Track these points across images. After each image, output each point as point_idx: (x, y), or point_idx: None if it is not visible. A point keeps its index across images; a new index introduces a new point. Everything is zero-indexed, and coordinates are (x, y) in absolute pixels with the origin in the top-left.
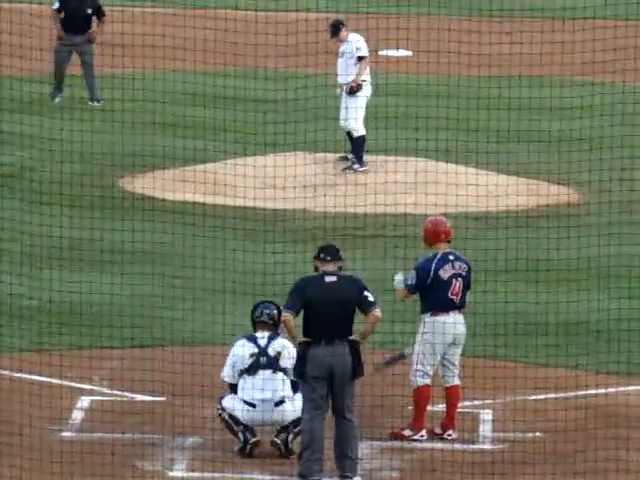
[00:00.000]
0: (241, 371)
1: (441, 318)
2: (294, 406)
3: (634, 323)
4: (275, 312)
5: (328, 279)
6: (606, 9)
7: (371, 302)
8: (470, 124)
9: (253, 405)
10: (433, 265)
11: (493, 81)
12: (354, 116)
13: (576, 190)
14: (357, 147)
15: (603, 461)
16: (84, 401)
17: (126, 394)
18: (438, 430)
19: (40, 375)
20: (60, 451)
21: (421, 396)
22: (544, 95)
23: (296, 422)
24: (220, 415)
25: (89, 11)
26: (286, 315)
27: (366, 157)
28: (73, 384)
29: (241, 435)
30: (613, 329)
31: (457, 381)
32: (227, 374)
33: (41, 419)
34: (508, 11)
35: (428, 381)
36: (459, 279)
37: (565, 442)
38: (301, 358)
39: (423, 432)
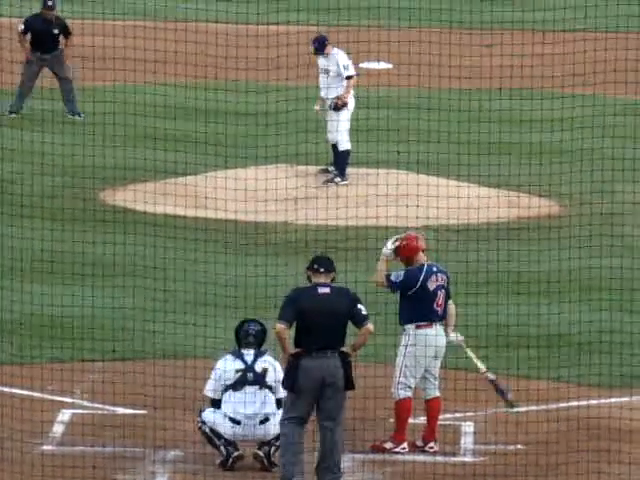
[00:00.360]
0: (226, 387)
1: (426, 331)
2: (277, 422)
3: (615, 335)
4: (259, 329)
5: (321, 290)
6: (586, 21)
7: (364, 315)
8: (451, 136)
9: (238, 422)
10: (422, 276)
11: (473, 93)
12: (338, 129)
13: (557, 202)
14: (341, 161)
15: (585, 473)
16: (65, 414)
17: (107, 407)
18: (420, 443)
19: (21, 388)
20: (41, 465)
21: (403, 409)
22: (524, 107)
23: (279, 436)
24: (200, 428)
25: (55, 31)
26: (280, 326)
27: (348, 170)
28: (54, 397)
29: (223, 449)
30: (594, 341)
31: (437, 393)
32: (210, 389)
33: (22, 432)
34: (488, 23)
35: (410, 394)
36: (442, 290)
37: (547, 454)
38: (292, 369)
39: (404, 445)
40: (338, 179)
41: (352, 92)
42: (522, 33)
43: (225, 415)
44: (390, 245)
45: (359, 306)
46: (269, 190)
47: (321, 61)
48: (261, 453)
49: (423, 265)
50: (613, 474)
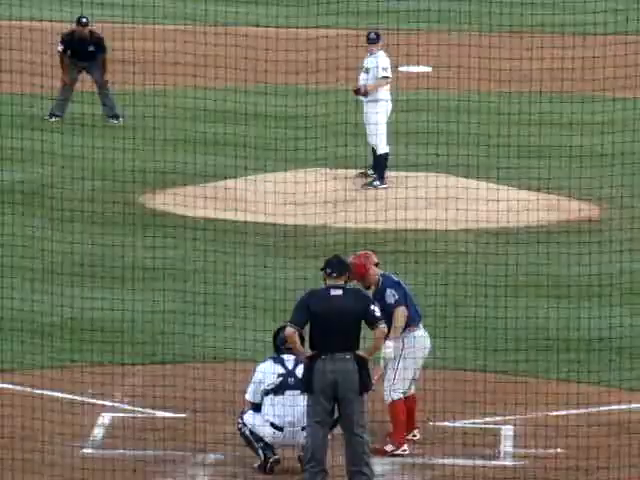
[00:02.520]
0: (266, 391)
1: (415, 333)
2: None
3: None
4: None
5: (333, 292)
6: (627, 25)
7: (377, 317)
8: (490, 139)
9: (280, 428)
10: (397, 278)
11: (513, 97)
12: (375, 133)
13: (597, 205)
14: (379, 164)
15: (625, 478)
16: (105, 418)
17: (147, 411)
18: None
19: (61, 392)
20: (81, 468)
21: (399, 410)
22: (564, 110)
23: None
24: (240, 430)
25: (91, 48)
26: (290, 330)
27: (387, 173)
28: (94, 401)
29: (261, 452)
30: (635, 345)
31: (413, 390)
32: (251, 393)
33: (62, 436)
34: (528, 27)
35: (402, 395)
36: (410, 292)
37: (587, 458)
38: (308, 371)
39: (405, 447)
40: (377, 182)
41: (388, 97)
42: (562, 36)
43: (266, 420)
44: (389, 349)
45: (372, 307)
46: (308, 193)
47: (365, 60)
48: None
49: (386, 274)
50: None
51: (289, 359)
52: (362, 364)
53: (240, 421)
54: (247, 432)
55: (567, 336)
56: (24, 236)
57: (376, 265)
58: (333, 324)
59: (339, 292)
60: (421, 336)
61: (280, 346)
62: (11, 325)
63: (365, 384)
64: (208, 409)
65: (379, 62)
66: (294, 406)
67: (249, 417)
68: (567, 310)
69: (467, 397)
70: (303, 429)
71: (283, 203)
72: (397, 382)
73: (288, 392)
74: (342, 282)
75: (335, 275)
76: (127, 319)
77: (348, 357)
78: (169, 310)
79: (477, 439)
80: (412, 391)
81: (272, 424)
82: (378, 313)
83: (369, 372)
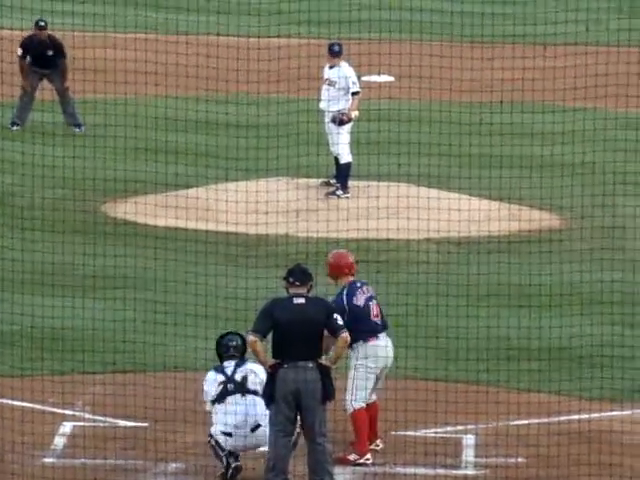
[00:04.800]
0: (212, 401)
1: (375, 342)
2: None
3: (617, 349)
4: (240, 342)
5: (296, 301)
6: (587, 35)
7: (339, 325)
8: (452, 149)
9: (229, 434)
10: (344, 297)
11: (474, 106)
12: (338, 142)
13: (558, 215)
14: (342, 173)
15: None
16: (66, 427)
17: (108, 419)
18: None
19: (22, 401)
20: (42, 477)
21: (360, 420)
22: (526, 120)
23: None
24: (209, 442)
25: (50, 52)
26: (252, 338)
27: (349, 182)
28: (55, 410)
29: (224, 459)
30: (596, 354)
31: (375, 397)
32: (207, 405)
33: (23, 445)
34: (489, 37)
35: (363, 404)
36: (373, 301)
37: (548, 467)
38: (270, 379)
39: (368, 455)
40: (340, 192)
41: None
42: (523, 46)
43: (218, 429)
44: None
45: (335, 316)
46: (270, 202)
47: (327, 71)
48: None
49: (344, 287)
50: None
51: (229, 365)
52: (325, 373)
53: (209, 432)
54: (213, 442)
55: (528, 345)
56: None
57: (352, 275)
58: (296, 333)
59: (301, 301)
60: (381, 346)
61: (223, 354)
62: None
63: (328, 393)
64: (169, 418)
65: (346, 74)
66: (236, 410)
67: (213, 428)
68: (528, 320)
69: (429, 406)
70: (253, 430)
71: (245, 212)
72: (357, 391)
73: (229, 398)
74: (305, 291)
75: (298, 284)
76: (88, 328)
77: (310, 366)
78: (130, 319)
79: (439, 448)
80: (374, 399)
81: (222, 432)
82: (340, 322)
83: (332, 381)
